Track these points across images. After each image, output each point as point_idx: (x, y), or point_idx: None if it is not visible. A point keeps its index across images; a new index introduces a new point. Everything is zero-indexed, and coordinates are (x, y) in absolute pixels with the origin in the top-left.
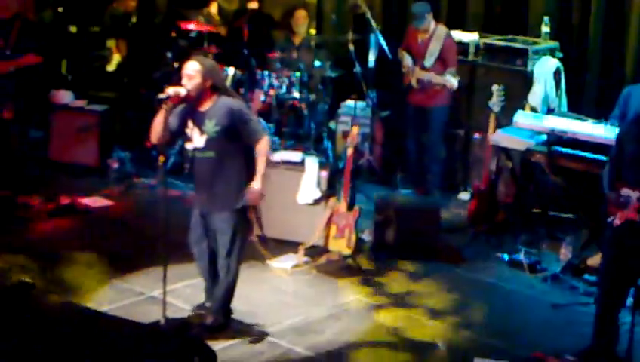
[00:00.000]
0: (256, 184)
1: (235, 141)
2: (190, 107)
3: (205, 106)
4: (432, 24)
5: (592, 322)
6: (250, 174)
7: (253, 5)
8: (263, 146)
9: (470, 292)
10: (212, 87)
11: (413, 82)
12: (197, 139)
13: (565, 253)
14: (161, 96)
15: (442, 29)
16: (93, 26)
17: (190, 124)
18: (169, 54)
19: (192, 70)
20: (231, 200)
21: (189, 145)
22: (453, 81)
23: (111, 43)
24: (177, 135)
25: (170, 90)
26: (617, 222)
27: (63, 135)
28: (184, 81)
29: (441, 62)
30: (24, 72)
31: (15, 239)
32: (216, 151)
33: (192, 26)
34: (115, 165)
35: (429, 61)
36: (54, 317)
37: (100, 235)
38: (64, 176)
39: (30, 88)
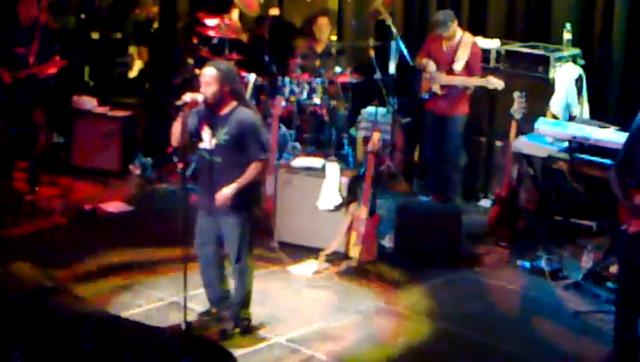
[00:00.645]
0: (226, 190)
1: (242, 152)
2: (209, 109)
3: (223, 111)
4: (459, 31)
5: (613, 329)
6: (255, 183)
7: (275, 12)
8: (255, 168)
9: (491, 299)
10: (230, 92)
11: (437, 89)
12: (207, 141)
13: (587, 260)
14: (179, 102)
15: (469, 37)
16: (115, 32)
17: (205, 125)
18: (190, 61)
19: (209, 76)
20: (236, 206)
21: (200, 145)
22: (498, 82)
23: (133, 49)
24: (194, 135)
25: (188, 97)
26: (632, 229)
27: (85, 141)
28: (202, 88)
29: (466, 70)
30: (48, 78)
31: (37, 244)
32: (224, 158)
33: (213, 33)
34: (137, 171)
35: (458, 66)
36: (75, 321)
37: (121, 240)
38: (86, 182)
39: (54, 94)
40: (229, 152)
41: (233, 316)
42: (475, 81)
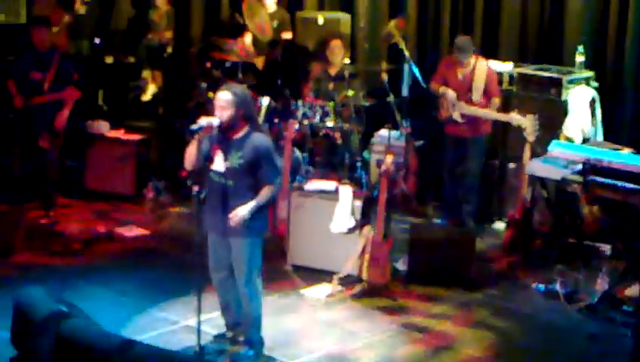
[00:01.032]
0: (241, 210)
1: (255, 175)
2: (223, 135)
3: (236, 135)
4: (473, 58)
5: (629, 353)
6: (265, 206)
7: (287, 36)
8: (269, 191)
9: (505, 322)
10: (244, 116)
11: (457, 117)
12: (219, 164)
13: (602, 283)
14: (194, 127)
15: (482, 62)
16: (129, 56)
17: (217, 148)
18: (204, 85)
19: (224, 101)
20: (245, 229)
21: (211, 167)
22: (523, 120)
23: (146, 73)
24: (206, 158)
25: (203, 121)
26: None
27: (99, 164)
28: (217, 112)
29: (485, 95)
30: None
31: (52, 268)
32: (237, 182)
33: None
34: (151, 194)
35: (476, 95)
36: (90, 346)
37: (135, 264)
38: (100, 205)
39: (67, 118)
40: (242, 176)
41: (246, 339)
42: (499, 117)
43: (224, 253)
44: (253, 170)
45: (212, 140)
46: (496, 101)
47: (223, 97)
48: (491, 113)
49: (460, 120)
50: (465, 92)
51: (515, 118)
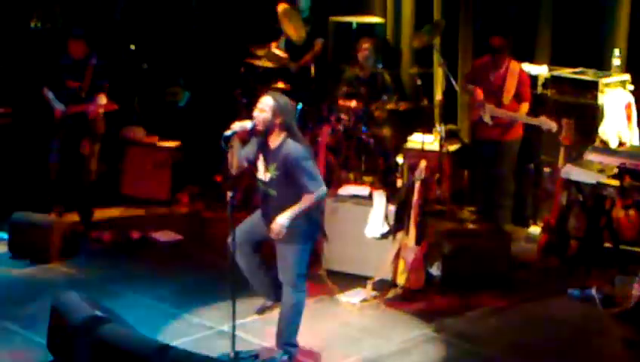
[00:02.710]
0: (280, 219)
1: (294, 185)
2: (262, 140)
3: (273, 144)
4: (506, 61)
5: None
6: (310, 213)
7: (320, 40)
8: (307, 199)
9: (541, 327)
10: (281, 124)
11: (487, 119)
12: (262, 173)
13: (638, 288)
14: (228, 133)
15: (516, 65)
16: (164, 63)
17: (260, 155)
18: (237, 90)
19: (265, 105)
20: (292, 235)
21: (257, 174)
22: (551, 124)
23: (182, 80)
24: (252, 163)
25: (236, 126)
26: None
27: (135, 170)
28: (255, 113)
29: (515, 99)
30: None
31: (87, 273)
32: (278, 192)
33: (260, 62)
34: (186, 199)
35: (507, 98)
36: (126, 350)
37: (170, 269)
38: (136, 211)
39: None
40: (282, 187)
41: (281, 344)
42: (528, 120)
43: (261, 230)
44: (290, 180)
45: (257, 147)
46: (526, 106)
47: (265, 101)
48: (520, 116)
49: (489, 122)
50: (496, 94)
51: (544, 121)
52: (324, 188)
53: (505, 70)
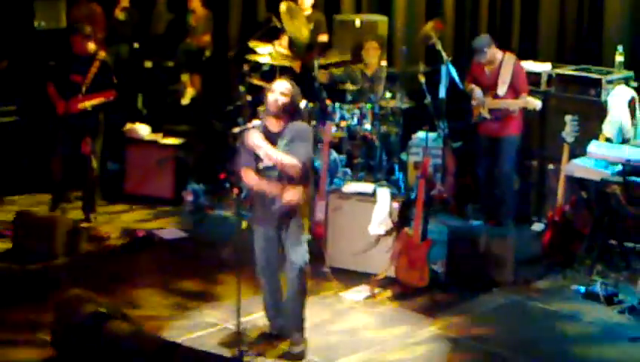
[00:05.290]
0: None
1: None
2: (264, 129)
3: (278, 128)
4: (499, 54)
5: None
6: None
7: (324, 38)
8: (294, 166)
9: (545, 324)
10: (294, 110)
11: (485, 113)
12: (266, 159)
13: None
14: (236, 130)
15: (510, 57)
16: (167, 61)
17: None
18: (242, 88)
19: (286, 88)
20: (292, 221)
21: (260, 165)
22: (535, 102)
23: (185, 77)
24: (255, 159)
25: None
26: None
27: (138, 168)
28: (275, 96)
29: (512, 90)
30: (101, 107)
31: (92, 271)
32: (279, 172)
33: (263, 60)
34: (190, 197)
35: (501, 90)
36: (130, 347)
37: (174, 267)
38: (140, 209)
39: (107, 123)
40: None
41: (295, 340)
42: (515, 104)
43: (273, 250)
44: (292, 154)
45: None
46: (524, 97)
47: (285, 85)
48: (509, 102)
49: (488, 116)
50: (492, 88)
51: (529, 101)
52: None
53: (499, 64)
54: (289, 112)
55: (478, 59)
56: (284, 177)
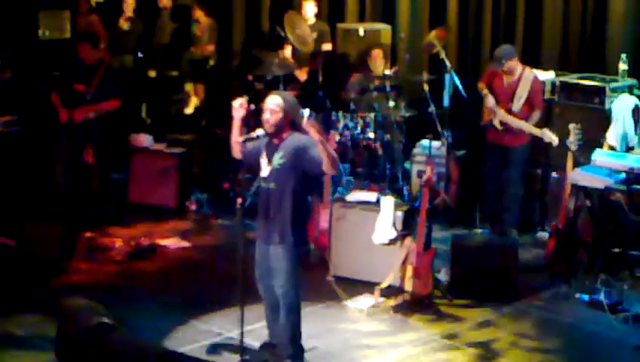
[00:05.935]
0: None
1: (295, 176)
2: (268, 139)
3: (278, 139)
4: (519, 67)
5: None
6: (304, 216)
7: (328, 47)
8: (330, 170)
9: (549, 333)
10: (291, 122)
11: (496, 123)
12: (264, 169)
13: None
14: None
15: (529, 72)
16: (171, 70)
17: (264, 153)
18: (246, 97)
19: (275, 105)
20: (287, 235)
21: (260, 175)
22: (552, 137)
23: (189, 87)
24: (257, 167)
25: (260, 132)
26: None
27: (142, 177)
28: (265, 115)
29: (527, 106)
30: (105, 116)
31: (95, 280)
32: (278, 183)
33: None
34: (194, 207)
35: (516, 105)
36: (134, 358)
37: (178, 276)
38: (143, 218)
39: (111, 132)
40: (284, 177)
41: (287, 352)
42: (532, 130)
43: (267, 262)
44: (294, 170)
45: (260, 150)
46: (537, 114)
47: (274, 101)
48: (525, 126)
49: (499, 127)
50: (507, 100)
51: (546, 134)
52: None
53: (518, 77)
54: (284, 126)
55: (494, 67)
56: (283, 188)
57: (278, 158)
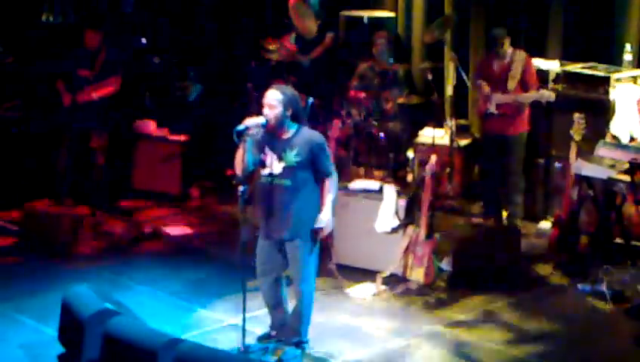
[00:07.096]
0: (324, 215)
1: (311, 172)
2: (269, 134)
3: (287, 135)
4: (510, 50)
5: None
6: (318, 208)
7: (332, 34)
8: (331, 184)
9: (551, 323)
10: (292, 115)
11: (492, 108)
12: (275, 166)
13: None
14: (240, 127)
15: (521, 53)
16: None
17: (268, 150)
18: (249, 84)
19: (273, 99)
20: (303, 228)
21: (262, 171)
22: (547, 94)
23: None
24: (258, 163)
25: (250, 121)
26: None
27: (146, 164)
28: (265, 111)
29: (521, 87)
30: (109, 101)
31: (98, 266)
32: (293, 180)
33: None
34: (197, 194)
35: (511, 84)
36: (137, 343)
37: (181, 263)
38: (147, 205)
39: (115, 118)
40: (300, 173)
41: (294, 338)
42: (527, 96)
43: (276, 256)
44: (310, 166)
45: (261, 144)
46: (532, 93)
47: (273, 96)
48: (522, 96)
49: (494, 111)
50: (501, 83)
51: (544, 94)
52: (336, 174)
53: (510, 59)
54: (286, 120)
55: (498, 50)
56: (298, 184)
57: (293, 155)
